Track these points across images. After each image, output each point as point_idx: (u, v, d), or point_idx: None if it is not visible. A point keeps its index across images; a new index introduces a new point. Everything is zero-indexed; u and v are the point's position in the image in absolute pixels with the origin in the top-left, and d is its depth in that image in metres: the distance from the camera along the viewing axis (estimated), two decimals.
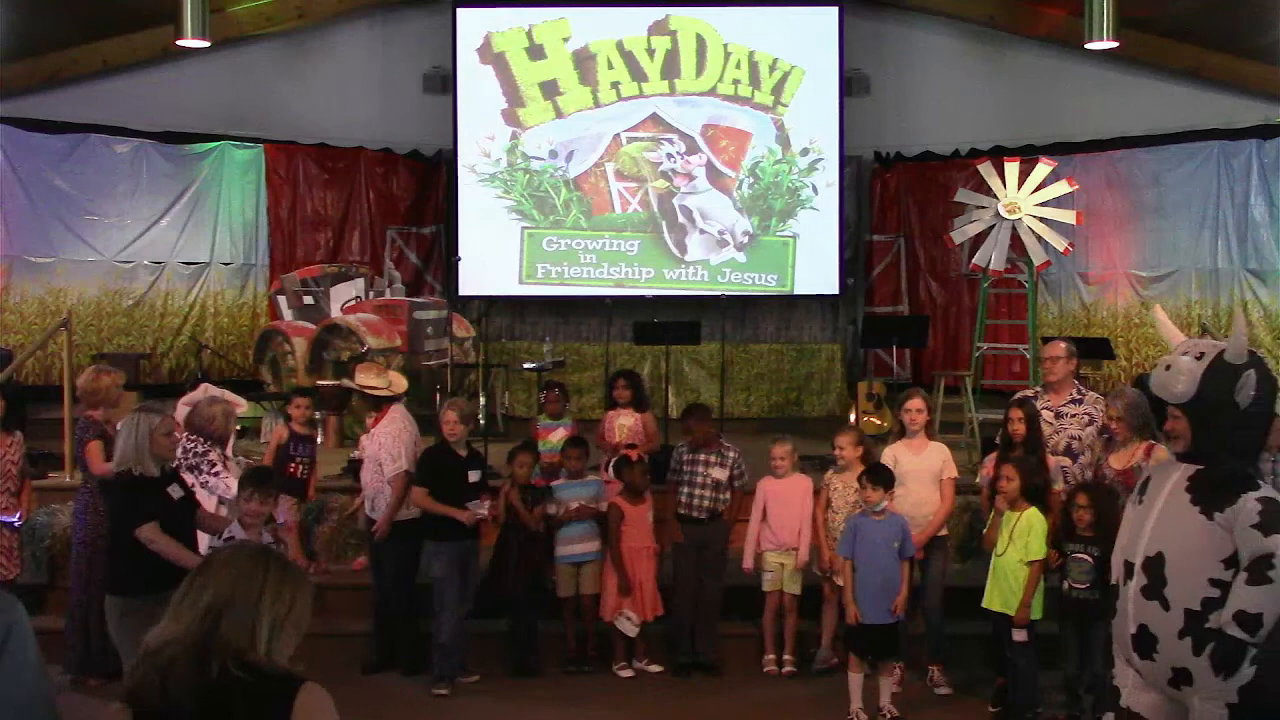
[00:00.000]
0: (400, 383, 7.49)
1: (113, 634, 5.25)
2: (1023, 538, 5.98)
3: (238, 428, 7.71)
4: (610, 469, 7.47)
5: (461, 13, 13.31)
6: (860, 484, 6.30)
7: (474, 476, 6.82)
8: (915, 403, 6.78)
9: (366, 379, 7.38)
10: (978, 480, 7.17)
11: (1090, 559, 5.90)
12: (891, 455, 6.67)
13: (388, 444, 6.91)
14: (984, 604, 6.14)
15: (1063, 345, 7.05)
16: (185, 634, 2.37)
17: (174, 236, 12.68)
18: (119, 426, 5.40)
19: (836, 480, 6.75)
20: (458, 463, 6.78)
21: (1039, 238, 9.88)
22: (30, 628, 2.67)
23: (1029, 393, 7.01)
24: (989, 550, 6.17)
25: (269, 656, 2.40)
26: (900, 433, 6.92)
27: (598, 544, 7.03)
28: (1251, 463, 4.18)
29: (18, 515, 6.77)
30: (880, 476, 6.26)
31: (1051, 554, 6.01)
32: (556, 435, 8.07)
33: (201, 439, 6.51)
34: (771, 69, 13.40)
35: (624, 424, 7.91)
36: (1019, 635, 5.99)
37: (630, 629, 6.87)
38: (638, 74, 13.36)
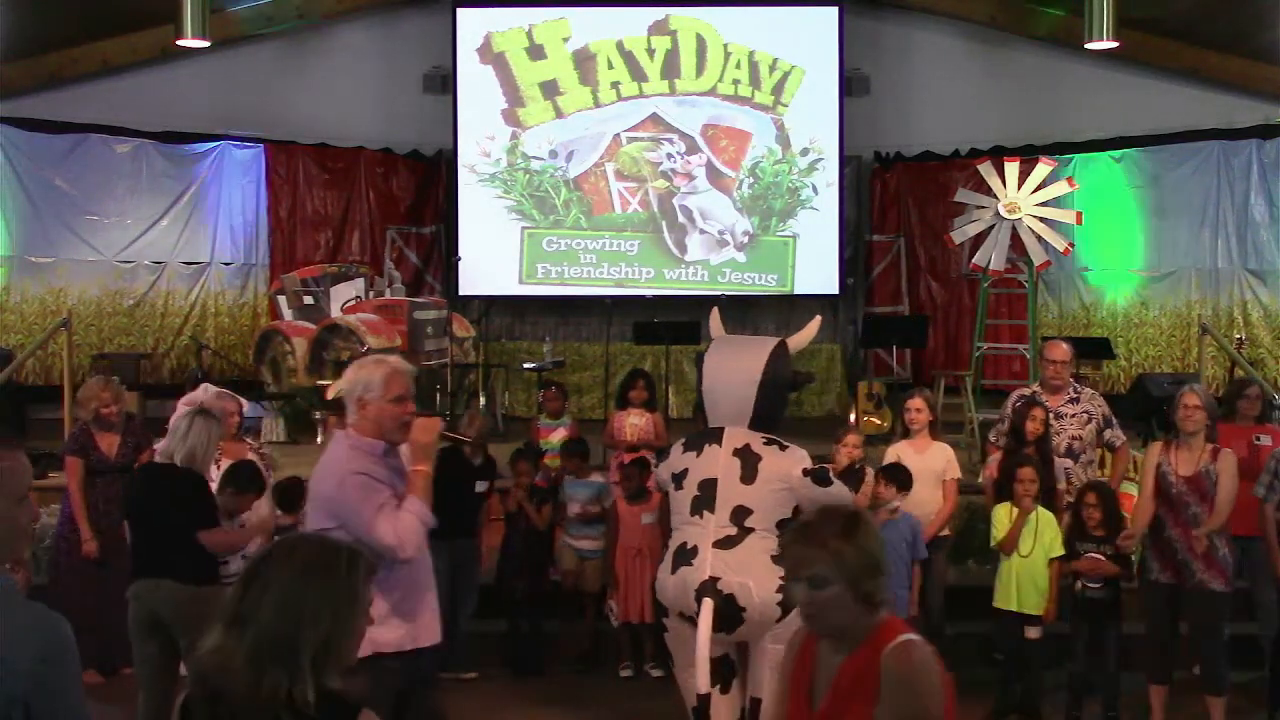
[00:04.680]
0: None
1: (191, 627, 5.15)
2: (1045, 536, 6.00)
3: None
4: (619, 470, 7.48)
5: (461, 13, 13.30)
6: (875, 480, 6.31)
7: (480, 487, 6.79)
8: (915, 402, 6.78)
9: None
10: (980, 480, 7.16)
11: (1103, 558, 5.91)
12: (894, 454, 6.66)
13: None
14: (997, 604, 6.13)
15: (1066, 348, 6.97)
16: (232, 658, 2.21)
17: (174, 236, 12.69)
18: (195, 425, 5.27)
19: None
20: (468, 472, 6.70)
21: (1039, 238, 9.88)
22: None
23: (1027, 392, 6.97)
24: (1003, 552, 6.13)
25: (318, 682, 2.22)
26: (904, 432, 6.93)
27: (603, 543, 7.05)
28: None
29: None
30: (894, 475, 6.25)
31: (1094, 564, 6.02)
32: (557, 435, 8.08)
33: None
34: (771, 69, 13.40)
35: (634, 423, 7.90)
36: (1035, 633, 6.01)
37: (613, 619, 6.89)
38: (638, 74, 13.35)
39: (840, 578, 2.60)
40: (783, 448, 4.81)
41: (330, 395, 7.81)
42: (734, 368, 4.94)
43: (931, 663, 2.62)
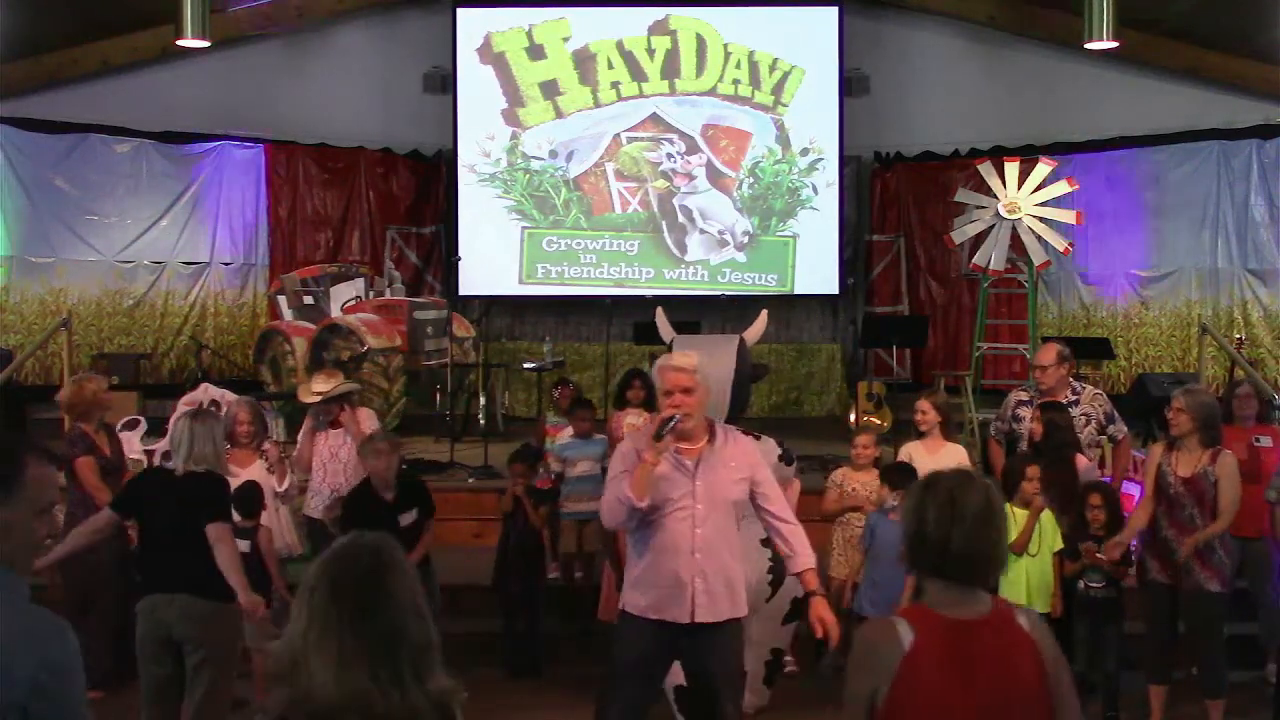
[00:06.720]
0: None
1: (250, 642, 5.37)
2: (1047, 534, 6.00)
3: None
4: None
5: (461, 13, 13.31)
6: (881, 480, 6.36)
7: (406, 519, 6.18)
8: (921, 404, 6.81)
9: (329, 384, 7.26)
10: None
11: (1104, 557, 5.90)
12: (906, 454, 6.66)
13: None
14: None
15: (1054, 351, 6.75)
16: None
17: (174, 236, 12.69)
18: (196, 431, 5.06)
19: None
20: (382, 508, 6.13)
21: (1039, 237, 9.88)
22: None
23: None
24: (1014, 552, 6.08)
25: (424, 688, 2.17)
26: (916, 433, 6.95)
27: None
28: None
29: None
30: (893, 476, 6.25)
31: (1090, 551, 5.97)
32: (566, 434, 8.03)
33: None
34: (771, 69, 13.40)
35: (632, 423, 7.88)
36: None
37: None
38: (638, 74, 13.36)
39: None
40: (757, 438, 5.17)
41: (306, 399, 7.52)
42: (707, 366, 5.11)
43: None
